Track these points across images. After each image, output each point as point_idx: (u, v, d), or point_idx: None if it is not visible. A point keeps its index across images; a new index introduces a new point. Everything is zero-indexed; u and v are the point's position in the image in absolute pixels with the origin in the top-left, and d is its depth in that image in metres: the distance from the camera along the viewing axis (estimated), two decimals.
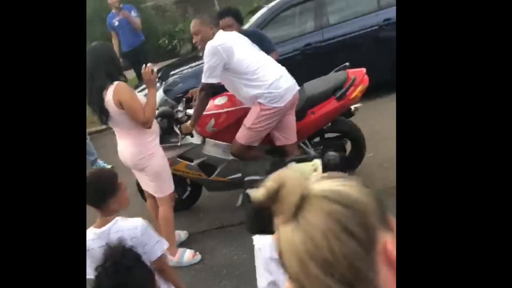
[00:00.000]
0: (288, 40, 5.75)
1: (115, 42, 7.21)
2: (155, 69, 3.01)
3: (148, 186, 3.27)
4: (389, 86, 5.20)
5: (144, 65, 3.02)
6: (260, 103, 3.32)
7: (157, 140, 3.18)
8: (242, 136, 3.46)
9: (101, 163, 5.64)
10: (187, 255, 3.44)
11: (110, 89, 2.87)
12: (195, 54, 6.47)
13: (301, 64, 5.45)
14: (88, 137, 5.62)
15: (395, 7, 5.62)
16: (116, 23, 7.09)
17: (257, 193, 0.79)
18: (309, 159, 0.98)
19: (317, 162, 0.97)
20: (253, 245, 1.85)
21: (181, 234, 3.71)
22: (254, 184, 0.99)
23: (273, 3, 6.04)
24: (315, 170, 0.96)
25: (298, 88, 3.45)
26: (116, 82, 2.89)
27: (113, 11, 7.13)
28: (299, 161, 0.96)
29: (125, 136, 3.07)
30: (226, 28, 3.65)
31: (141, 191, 3.75)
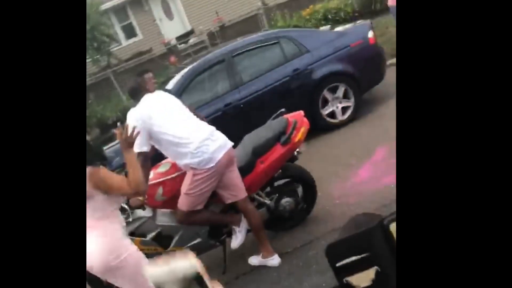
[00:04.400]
0: (208, 103, 5.78)
1: None
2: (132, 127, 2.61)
3: None
4: (311, 132, 5.38)
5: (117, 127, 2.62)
6: (192, 168, 3.21)
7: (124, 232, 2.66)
8: (182, 203, 3.32)
9: None
10: None
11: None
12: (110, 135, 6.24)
13: (227, 123, 5.46)
14: None
15: (300, 58, 5.95)
16: None
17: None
18: None
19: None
20: None
21: None
22: None
23: (185, 70, 6.09)
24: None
25: (230, 144, 3.36)
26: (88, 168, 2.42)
27: None
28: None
29: (92, 229, 2.45)
30: (151, 80, 3.46)
31: None
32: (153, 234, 3.43)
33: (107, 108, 11.28)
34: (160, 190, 3.43)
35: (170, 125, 3.19)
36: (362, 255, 0.86)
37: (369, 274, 0.85)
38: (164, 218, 3.51)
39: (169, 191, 3.45)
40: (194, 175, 3.20)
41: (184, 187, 3.27)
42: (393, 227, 0.84)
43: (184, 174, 3.43)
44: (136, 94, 3.37)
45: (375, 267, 0.85)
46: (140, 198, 3.23)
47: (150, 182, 3.35)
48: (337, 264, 0.90)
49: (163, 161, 3.63)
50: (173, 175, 3.48)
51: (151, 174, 3.42)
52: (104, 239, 2.45)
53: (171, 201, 3.45)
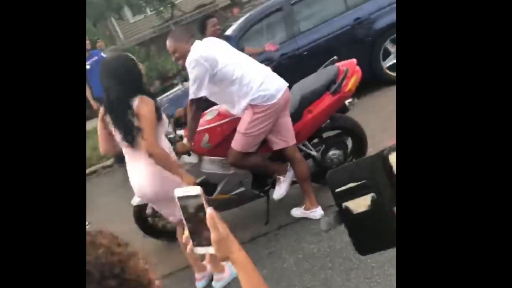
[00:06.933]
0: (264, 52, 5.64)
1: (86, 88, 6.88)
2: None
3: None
4: (370, 84, 5.16)
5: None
6: (252, 106, 3.15)
7: None
8: (237, 143, 3.28)
9: None
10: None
11: (135, 101, 2.60)
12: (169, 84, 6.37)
13: (281, 74, 5.32)
14: None
15: (363, 6, 5.62)
16: (88, 67, 6.63)
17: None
18: None
19: None
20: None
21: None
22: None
23: (240, 20, 5.96)
24: None
25: (287, 85, 3.27)
26: (140, 95, 2.62)
27: None
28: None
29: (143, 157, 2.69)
30: (214, 27, 3.94)
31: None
32: (198, 180, 3.43)
33: (168, 61, 11.39)
34: (206, 137, 3.42)
35: (235, 62, 3.14)
36: (360, 182, 0.87)
37: (366, 200, 0.87)
38: (209, 165, 3.50)
39: (215, 138, 3.43)
40: (254, 113, 3.15)
41: (241, 127, 3.22)
42: (392, 157, 0.86)
43: (230, 122, 3.40)
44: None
45: (372, 194, 0.87)
46: (187, 143, 3.23)
47: (198, 129, 3.34)
48: (337, 190, 0.90)
49: (210, 109, 3.59)
50: (219, 122, 3.45)
51: None
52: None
53: (216, 149, 3.44)
